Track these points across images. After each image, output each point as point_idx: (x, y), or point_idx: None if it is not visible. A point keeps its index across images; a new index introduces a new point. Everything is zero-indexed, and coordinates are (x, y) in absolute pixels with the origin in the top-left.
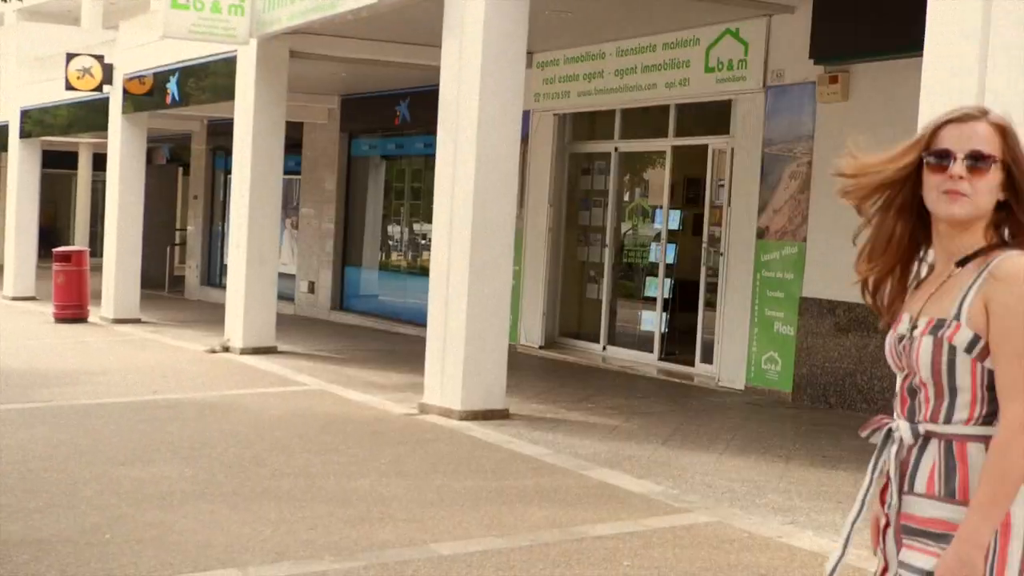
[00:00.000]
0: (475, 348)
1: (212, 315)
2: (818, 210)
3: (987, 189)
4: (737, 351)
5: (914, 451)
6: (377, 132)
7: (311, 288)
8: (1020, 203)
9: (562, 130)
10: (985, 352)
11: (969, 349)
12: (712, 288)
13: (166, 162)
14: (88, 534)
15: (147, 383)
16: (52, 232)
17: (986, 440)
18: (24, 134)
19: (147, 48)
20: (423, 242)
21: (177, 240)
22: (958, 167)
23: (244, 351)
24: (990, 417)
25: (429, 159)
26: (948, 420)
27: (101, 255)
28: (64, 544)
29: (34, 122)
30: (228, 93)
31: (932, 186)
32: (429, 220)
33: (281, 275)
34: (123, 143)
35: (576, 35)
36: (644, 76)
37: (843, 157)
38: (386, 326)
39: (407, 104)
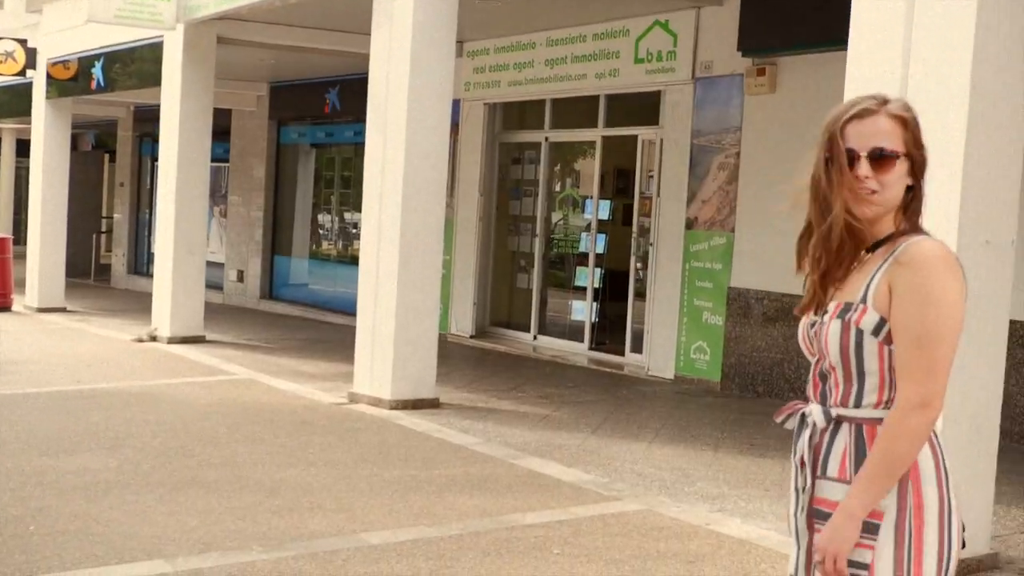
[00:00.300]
0: (405, 337)
1: (139, 304)
2: (746, 201)
3: (894, 182)
4: (666, 341)
5: (827, 435)
6: (306, 120)
7: (240, 277)
8: (922, 188)
9: (492, 119)
10: (891, 335)
11: (875, 332)
12: (642, 278)
13: (91, 148)
14: (11, 526)
15: (71, 373)
16: None
17: None
18: None
19: (71, 32)
20: (353, 231)
21: (103, 228)
22: (863, 167)
23: (172, 340)
24: None
25: (359, 147)
26: (858, 404)
27: (25, 243)
28: None
29: None
30: (155, 79)
31: (841, 183)
32: (359, 209)
33: (209, 263)
34: (47, 129)
35: (506, 25)
36: (574, 66)
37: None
38: (316, 315)
39: (337, 92)
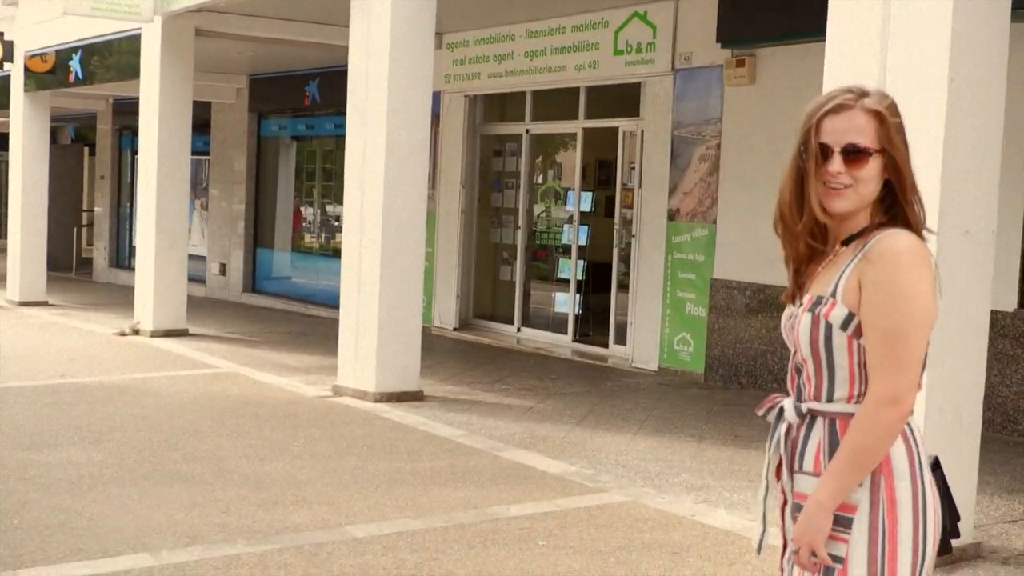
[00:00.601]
0: (389, 330)
1: (121, 297)
2: (727, 192)
3: (868, 178)
4: (650, 332)
5: (802, 429)
6: (287, 112)
7: (222, 270)
8: (900, 186)
9: (473, 112)
10: (860, 330)
11: (844, 326)
12: (625, 270)
13: (71, 142)
14: None
15: (54, 366)
16: None
17: None
18: None
19: (49, 25)
20: (335, 224)
21: (84, 221)
22: (836, 163)
23: (155, 334)
24: None
25: (340, 140)
26: (830, 398)
27: (5, 236)
28: None
29: None
30: (133, 72)
31: (817, 177)
32: (341, 201)
33: (191, 257)
34: (25, 122)
35: (485, 16)
36: (554, 58)
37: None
38: (299, 308)
39: (317, 84)
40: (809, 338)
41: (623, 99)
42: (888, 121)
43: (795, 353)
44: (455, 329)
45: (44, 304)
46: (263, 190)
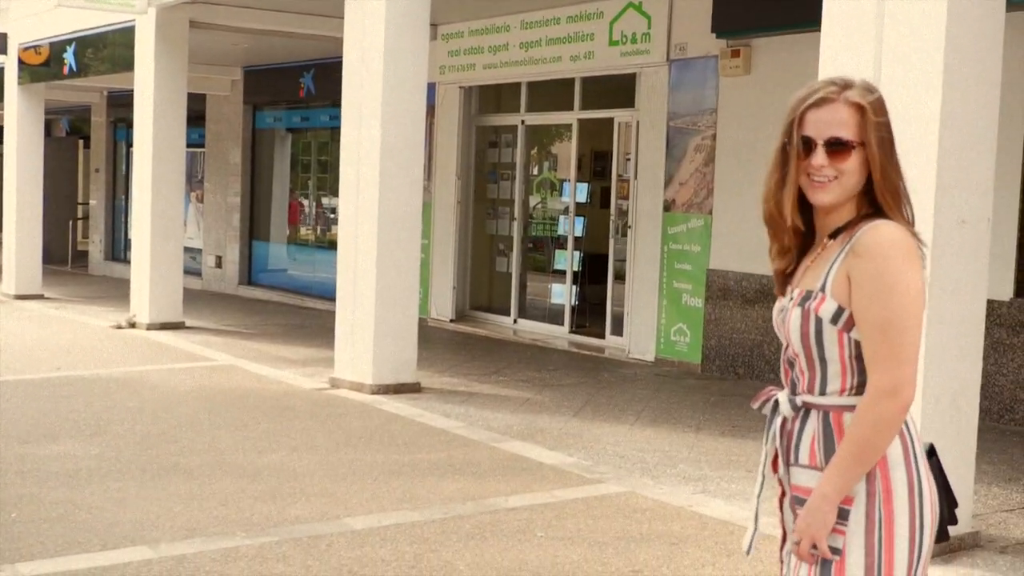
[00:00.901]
0: (385, 322)
1: (117, 290)
2: (723, 183)
3: (852, 171)
4: (646, 323)
5: (797, 422)
6: (282, 104)
7: (218, 263)
8: (877, 183)
9: (468, 103)
10: (850, 323)
11: (834, 320)
12: (621, 261)
13: (66, 134)
14: None
15: (51, 359)
16: None
17: None
18: None
19: (43, 17)
20: (331, 216)
21: (80, 214)
22: (819, 156)
23: (151, 327)
24: (862, 387)
25: (335, 132)
26: (823, 391)
27: (1, 230)
28: None
29: None
30: (127, 64)
31: (801, 170)
32: (336, 193)
33: (187, 249)
34: (20, 114)
35: (480, 7)
36: (549, 49)
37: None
38: (295, 300)
39: (312, 76)
40: (800, 333)
41: (618, 90)
42: (868, 116)
43: (787, 347)
44: (452, 321)
45: (40, 297)
46: (258, 182)
